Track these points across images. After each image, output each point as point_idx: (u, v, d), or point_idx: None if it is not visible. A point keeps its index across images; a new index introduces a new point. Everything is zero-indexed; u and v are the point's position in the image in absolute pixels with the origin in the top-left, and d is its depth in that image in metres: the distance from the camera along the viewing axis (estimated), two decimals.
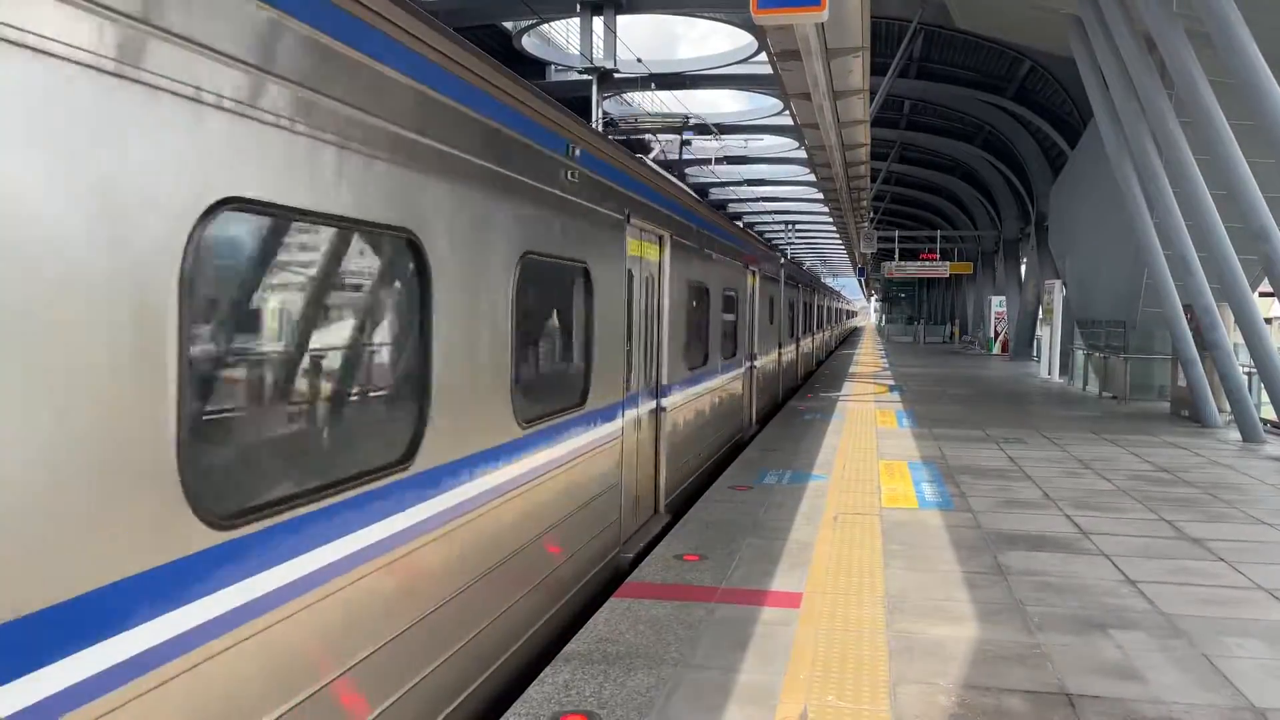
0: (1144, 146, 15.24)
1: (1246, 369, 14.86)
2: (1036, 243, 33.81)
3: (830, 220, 46.47)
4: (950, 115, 33.88)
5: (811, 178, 32.84)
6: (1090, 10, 15.58)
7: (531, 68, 29.03)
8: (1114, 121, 16.45)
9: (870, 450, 12.14)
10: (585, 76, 26.16)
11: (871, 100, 17.49)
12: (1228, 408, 14.96)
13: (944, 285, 63.47)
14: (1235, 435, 14.28)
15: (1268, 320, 16.56)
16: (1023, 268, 39.14)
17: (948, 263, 45.43)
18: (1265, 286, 13.65)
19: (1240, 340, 14.06)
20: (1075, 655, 5.07)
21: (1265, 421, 14.49)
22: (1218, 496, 9.65)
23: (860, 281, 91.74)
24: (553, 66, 30.16)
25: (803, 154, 29.56)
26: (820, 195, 36.57)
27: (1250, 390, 14.91)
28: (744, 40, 28.18)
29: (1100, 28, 15.41)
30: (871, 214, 41.81)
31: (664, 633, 5.27)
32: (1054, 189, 28.17)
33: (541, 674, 4.68)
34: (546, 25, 27.53)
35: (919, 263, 46.44)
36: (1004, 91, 28.62)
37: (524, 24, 26.82)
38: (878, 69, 20.43)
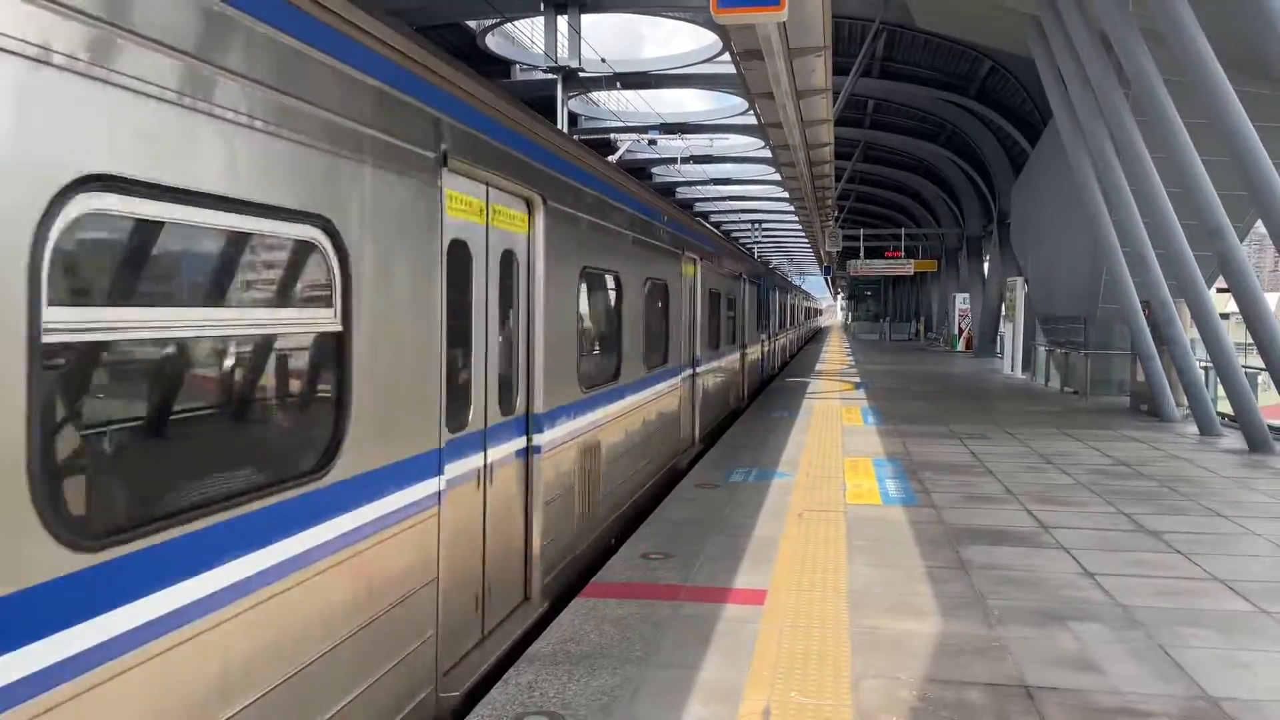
0: (1102, 145, 15.45)
1: (1203, 364, 15.11)
2: (999, 240, 34.19)
3: (796, 219, 46.72)
4: (913, 114, 34.16)
5: (778, 177, 32.97)
6: (1048, 10, 15.77)
7: (496, 67, 28.91)
8: (1072, 120, 16.67)
9: (836, 447, 12.22)
10: (550, 76, 26.10)
11: (835, 100, 17.61)
12: (1185, 402, 15.21)
13: (909, 283, 63.99)
14: (1193, 429, 14.52)
15: (1224, 316, 16.86)
16: (986, 265, 39.56)
17: (912, 260, 45.77)
18: (1221, 283, 13.86)
19: (1197, 336, 14.29)
20: (1035, 648, 5.13)
21: (1222, 415, 14.73)
22: (1175, 490, 9.81)
23: (826, 280, 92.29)
24: (517, 66, 30.06)
25: (768, 153, 29.70)
26: (786, 194, 36.73)
27: (1207, 385, 15.17)
28: (709, 40, 28.23)
29: (1058, 28, 15.61)
30: (837, 213, 42.07)
31: (628, 632, 5.27)
32: (1015, 187, 28.50)
33: (505, 676, 4.66)
34: (510, 24, 27.43)
35: (884, 261, 46.76)
36: (966, 91, 28.90)
37: (488, 23, 26.71)
38: (841, 68, 20.55)
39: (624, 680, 4.60)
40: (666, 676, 4.67)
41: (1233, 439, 13.55)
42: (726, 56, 23.18)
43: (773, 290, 28.09)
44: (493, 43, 28.11)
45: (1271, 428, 12.94)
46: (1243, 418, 12.99)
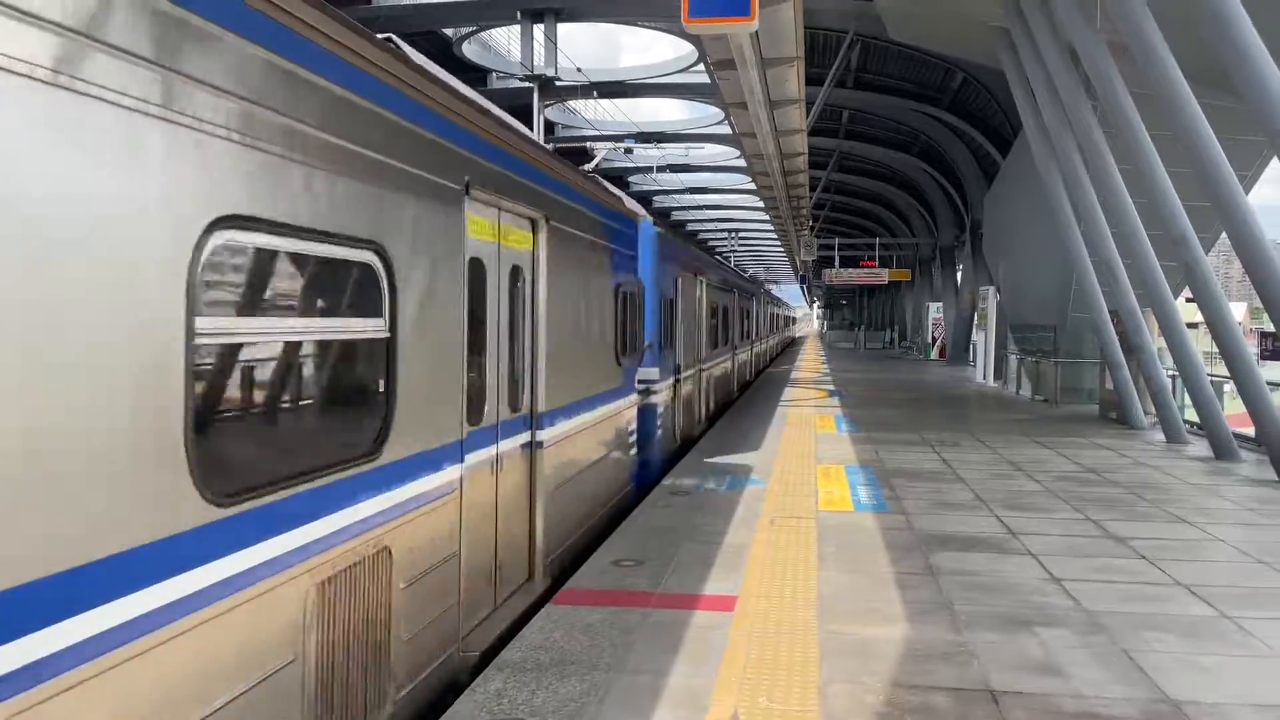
0: (1070, 156, 15.65)
1: (1171, 372, 15.32)
2: (971, 250, 34.52)
3: (772, 228, 46.94)
4: (887, 125, 34.48)
5: (754, 186, 33.13)
6: (1017, 24, 15.98)
7: (472, 75, 28.92)
8: (1042, 132, 16.88)
9: (809, 454, 12.28)
10: (527, 85, 26.13)
11: (809, 110, 17.74)
12: (1153, 410, 15.41)
13: (884, 292, 64.41)
14: (1160, 436, 14.71)
15: (1191, 325, 17.10)
16: (959, 274, 39.91)
17: (886, 270, 46.13)
18: (1189, 292, 14.08)
19: (1165, 344, 14.49)
20: (1001, 652, 5.19)
21: (1188, 423, 14.93)
22: (1141, 496, 9.93)
23: (802, 288, 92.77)
24: (494, 74, 30.10)
25: (744, 163, 29.85)
26: (762, 203, 36.92)
27: (1174, 393, 15.37)
28: (686, 49, 28.40)
29: (1027, 41, 15.81)
30: (812, 222, 42.31)
31: (598, 638, 5.28)
32: (987, 197, 28.80)
33: (473, 684, 4.66)
34: (487, 33, 27.47)
35: (859, 270, 47.07)
36: (939, 102, 29.20)
37: (464, 31, 26.73)
38: (815, 79, 20.75)
39: (592, 687, 4.61)
40: (635, 683, 4.68)
41: (1199, 446, 13.73)
42: (703, 66, 23.33)
43: (746, 299, 25.68)
44: (469, 51, 28.16)
45: (1236, 435, 13.13)
46: (1208, 425, 13.17)
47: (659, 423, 11.61)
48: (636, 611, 5.77)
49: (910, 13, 20.05)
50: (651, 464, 11.27)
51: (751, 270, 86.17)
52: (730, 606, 5.90)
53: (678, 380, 13.04)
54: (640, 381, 10.53)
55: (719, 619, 5.66)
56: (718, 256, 38.25)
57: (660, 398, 11.65)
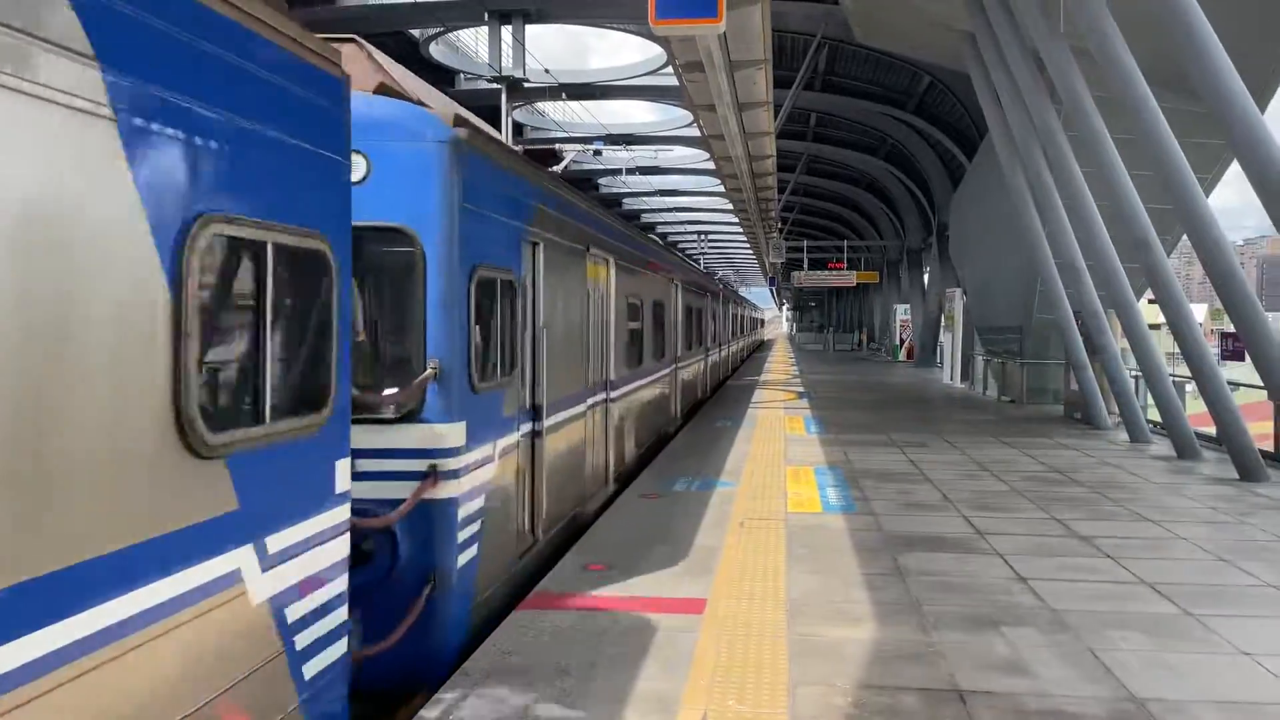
0: (1035, 159, 15.82)
1: (1134, 373, 15.51)
2: (938, 252, 34.80)
3: (741, 231, 47.08)
4: (855, 128, 34.67)
5: (723, 188, 33.20)
6: (983, 27, 16.12)
7: (440, 75, 28.75)
8: (1007, 135, 17.04)
9: (779, 456, 12.31)
10: (495, 86, 26.00)
11: (777, 113, 17.81)
12: (1117, 410, 15.60)
13: (852, 294, 64.83)
14: (1124, 436, 14.89)
15: (1153, 326, 17.33)
16: (925, 276, 40.23)
17: (854, 272, 46.40)
18: (1151, 294, 14.28)
19: (1127, 345, 14.67)
20: (968, 652, 5.21)
21: (1151, 423, 15.12)
22: (1106, 495, 10.04)
23: (771, 291, 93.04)
24: (461, 75, 29.95)
25: (713, 165, 29.89)
26: (731, 206, 37.02)
27: (1137, 393, 15.57)
28: (654, 52, 28.38)
29: (992, 45, 15.96)
30: (780, 224, 42.51)
31: (567, 643, 5.24)
32: (953, 200, 29.05)
33: (437, 693, 4.61)
34: (454, 34, 27.33)
35: (827, 272, 47.32)
36: (905, 106, 29.41)
37: (432, 32, 26.57)
38: (783, 82, 20.82)
39: (561, 692, 4.57)
40: (604, 687, 4.65)
41: (1161, 446, 13.91)
42: (671, 69, 23.34)
43: (706, 297, 22.13)
44: (436, 52, 27.99)
45: (1198, 435, 13.32)
46: (1171, 425, 13.34)
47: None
48: (606, 615, 5.74)
49: (877, 17, 20.19)
50: None
51: (721, 272, 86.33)
52: (700, 609, 5.88)
53: (536, 435, 7.12)
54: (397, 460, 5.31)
55: (689, 622, 5.64)
56: (659, 241, 28.13)
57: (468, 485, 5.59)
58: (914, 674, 4.89)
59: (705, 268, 57.80)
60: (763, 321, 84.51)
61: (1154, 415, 14.90)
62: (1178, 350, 12.74)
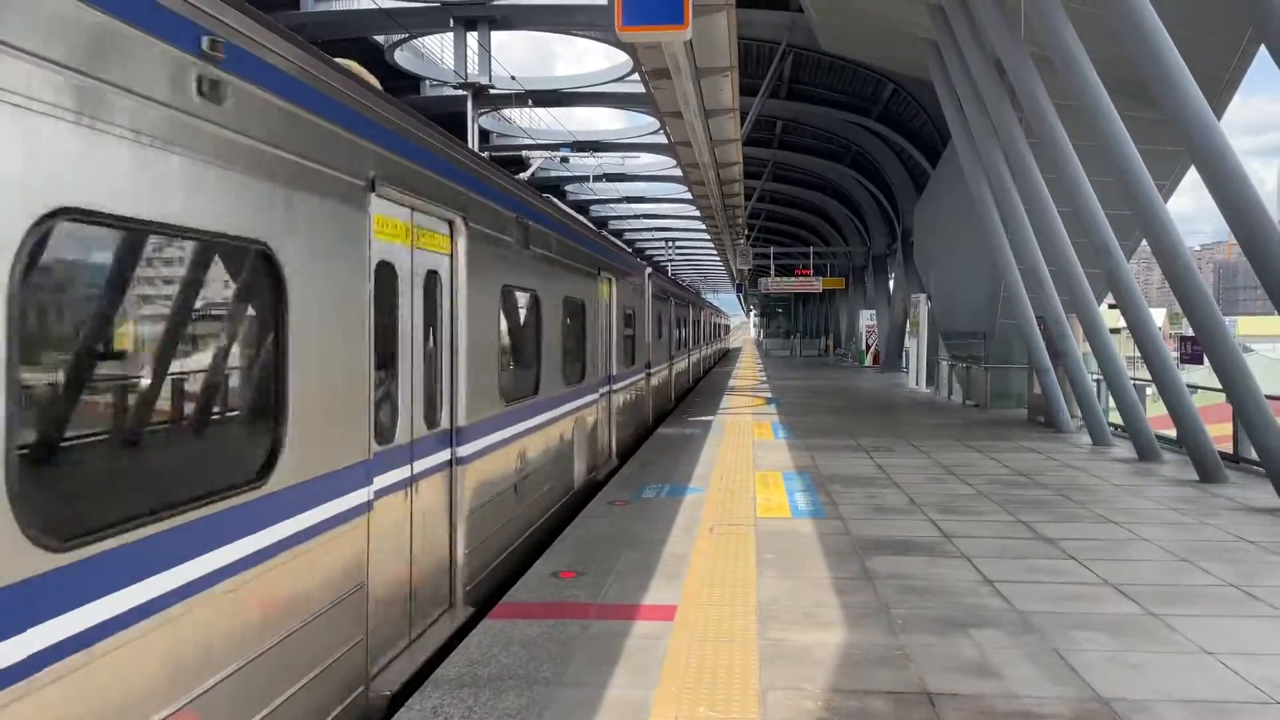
0: (997, 166, 16.02)
1: (1095, 377, 15.73)
2: (903, 258, 35.11)
3: (709, 237, 47.22)
4: (820, 135, 34.93)
5: (690, 195, 33.30)
6: (945, 36, 16.32)
7: (405, 82, 28.62)
8: (969, 142, 17.25)
9: (747, 462, 12.33)
10: (460, 93, 25.94)
11: (743, 120, 17.88)
12: (1079, 413, 15.80)
13: (819, 300, 65.23)
14: (1086, 439, 15.09)
15: (1114, 331, 17.59)
16: (891, 282, 40.56)
17: (820, 278, 46.68)
18: (1111, 299, 14.50)
19: (1089, 349, 14.87)
20: (936, 655, 5.24)
21: (1113, 426, 15.34)
22: (1069, 498, 10.16)
23: (739, 297, 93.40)
24: (427, 82, 29.82)
25: (680, 172, 29.97)
26: (698, 212, 37.14)
27: (1099, 397, 15.79)
28: (620, 59, 28.46)
29: (955, 53, 16.15)
30: (748, 231, 42.70)
31: (537, 652, 5.21)
32: (917, 206, 29.32)
33: (409, 701, 4.56)
34: (419, 40, 27.21)
35: (794, 278, 47.57)
36: (870, 113, 29.68)
37: (396, 38, 26.44)
38: (749, 90, 20.92)
39: (530, 701, 4.54)
40: (574, 696, 4.62)
41: (1123, 448, 14.11)
42: (637, 76, 23.40)
43: (652, 297, 18.07)
44: (401, 58, 27.85)
45: (1159, 437, 13.52)
46: (1132, 428, 13.54)
47: None
48: (576, 623, 5.71)
49: (842, 25, 20.37)
50: None
51: (689, 278, 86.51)
52: (670, 616, 5.87)
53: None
54: None
55: (659, 629, 5.63)
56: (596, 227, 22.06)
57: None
58: (883, 677, 4.90)
59: (674, 275, 55.35)
60: (728, 328, 78.37)
61: (1115, 418, 15.12)
62: (1138, 354, 12.93)
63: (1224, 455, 11.96)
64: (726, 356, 58.29)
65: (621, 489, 10.38)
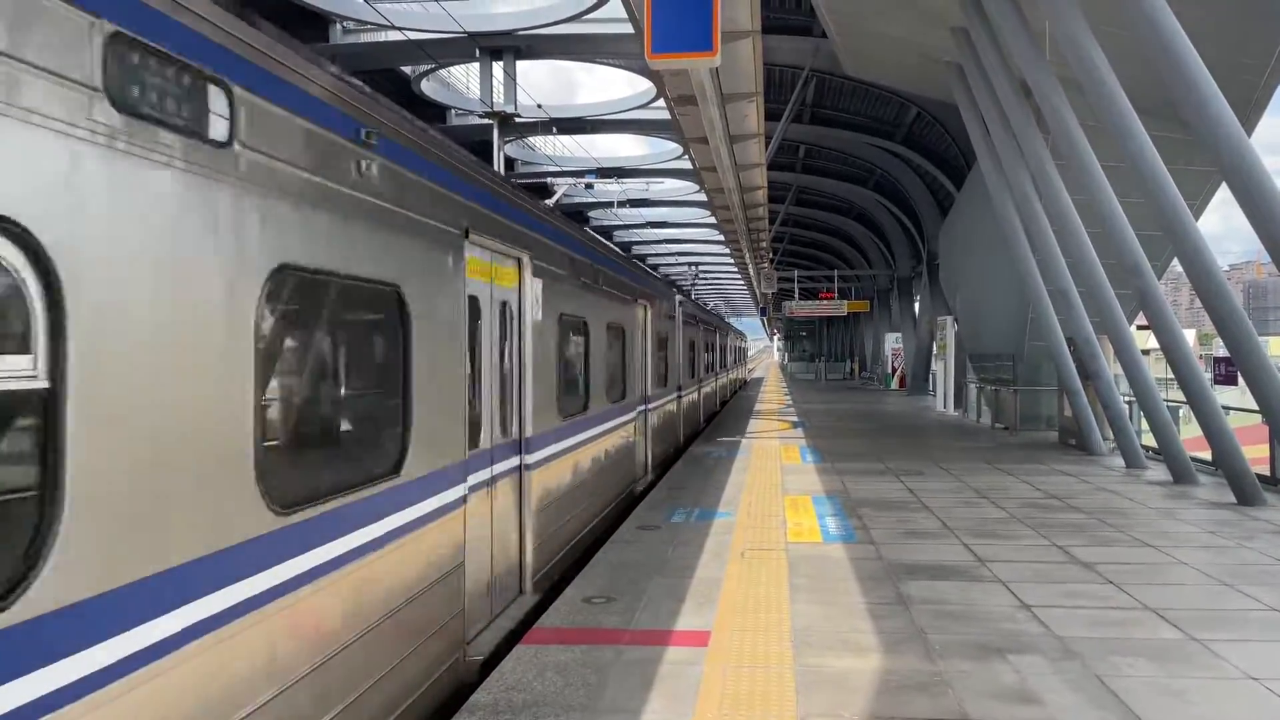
0: (1024, 188, 15.95)
1: (1127, 398, 15.56)
2: (928, 280, 34.94)
3: (732, 261, 47.26)
4: (843, 159, 34.94)
5: (713, 219, 33.38)
6: (969, 58, 16.32)
7: (431, 111, 28.94)
8: (995, 164, 17.19)
9: (775, 486, 12.28)
10: (486, 121, 26.19)
11: (767, 144, 17.95)
12: (1111, 436, 15.62)
13: (843, 323, 64.95)
14: (1119, 462, 14.90)
15: (1145, 351, 17.41)
16: (916, 305, 40.37)
17: (845, 301, 46.54)
18: (1142, 319, 14.36)
19: (1120, 370, 14.71)
20: (975, 681, 5.17)
21: (1146, 448, 15.15)
22: (1105, 521, 10.03)
23: (763, 321, 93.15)
24: (453, 111, 30.15)
25: (703, 197, 30.06)
26: (722, 237, 37.21)
27: (1131, 418, 15.61)
28: (643, 86, 28.64)
29: (980, 75, 16.14)
30: (771, 254, 42.67)
31: (571, 678, 5.20)
32: (943, 229, 29.22)
33: None
34: (445, 70, 27.55)
35: (818, 301, 47.46)
36: (893, 136, 29.68)
37: (423, 68, 26.78)
38: (773, 114, 20.97)
39: None
40: None
41: (1157, 471, 13.92)
42: (660, 103, 23.54)
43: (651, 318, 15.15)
44: (428, 88, 28.20)
45: (1194, 459, 13.34)
46: (1166, 450, 13.36)
47: None
48: (609, 649, 5.69)
49: (865, 50, 20.41)
50: None
51: (713, 303, 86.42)
52: (704, 641, 5.84)
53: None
54: None
55: (693, 654, 5.59)
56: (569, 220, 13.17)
57: None
58: (922, 704, 4.85)
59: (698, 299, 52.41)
60: (747, 352, 68.10)
61: (1149, 440, 14.94)
62: (1170, 375, 12.78)
63: (1261, 477, 11.77)
64: (745, 386, 53.57)
65: (651, 511, 10.36)
